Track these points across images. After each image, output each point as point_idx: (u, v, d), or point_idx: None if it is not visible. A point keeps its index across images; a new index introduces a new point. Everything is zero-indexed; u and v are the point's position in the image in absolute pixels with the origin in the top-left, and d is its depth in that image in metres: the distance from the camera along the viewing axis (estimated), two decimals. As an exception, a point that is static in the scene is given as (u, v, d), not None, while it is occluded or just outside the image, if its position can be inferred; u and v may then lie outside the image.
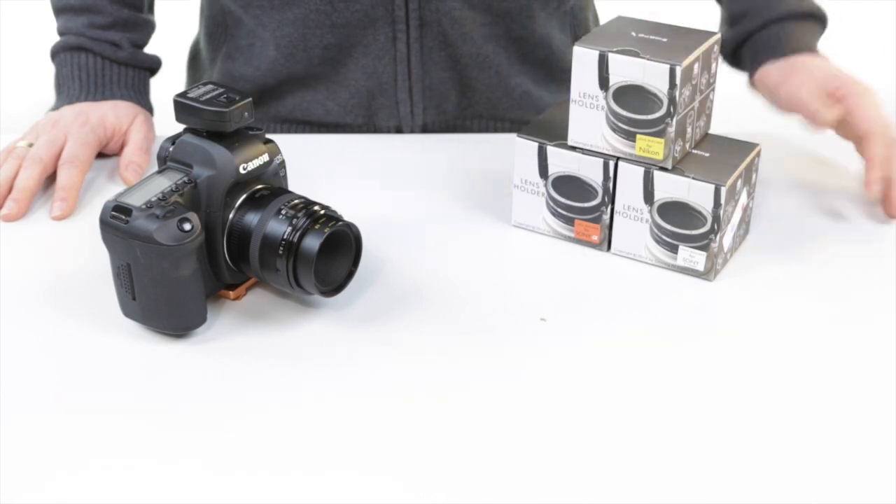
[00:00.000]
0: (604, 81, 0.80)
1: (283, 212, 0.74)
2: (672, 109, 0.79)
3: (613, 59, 0.79)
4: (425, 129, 1.09)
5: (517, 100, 1.09)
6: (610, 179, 0.83)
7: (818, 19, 1.01)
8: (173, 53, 1.18)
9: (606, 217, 0.85)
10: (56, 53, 1.04)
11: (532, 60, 1.08)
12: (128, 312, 0.75)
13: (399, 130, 1.09)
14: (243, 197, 0.76)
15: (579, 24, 1.12)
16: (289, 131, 1.10)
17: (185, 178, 0.74)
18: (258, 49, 1.06)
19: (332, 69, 1.05)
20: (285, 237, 0.73)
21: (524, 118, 1.10)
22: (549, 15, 1.07)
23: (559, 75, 1.10)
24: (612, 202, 0.84)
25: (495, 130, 1.11)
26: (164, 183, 0.74)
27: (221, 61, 1.09)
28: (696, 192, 0.80)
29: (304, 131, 1.10)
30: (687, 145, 0.83)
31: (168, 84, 1.08)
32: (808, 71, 0.96)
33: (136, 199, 0.72)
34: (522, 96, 1.09)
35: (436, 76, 1.05)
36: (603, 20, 1.15)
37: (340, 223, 0.74)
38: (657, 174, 0.81)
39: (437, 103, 1.07)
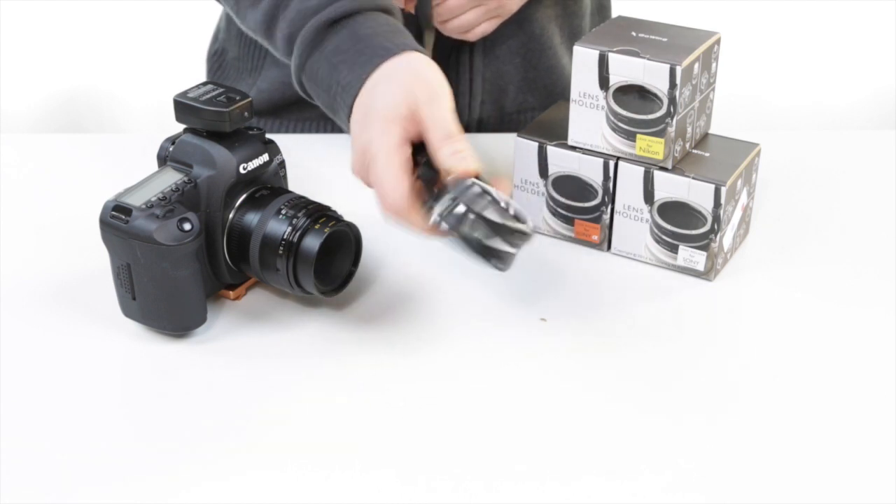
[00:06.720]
0: (604, 81, 0.80)
1: (283, 212, 0.74)
2: (672, 109, 0.79)
3: (613, 58, 0.79)
4: (481, 124, 1.09)
5: (567, 78, 1.11)
6: (610, 179, 0.83)
7: None
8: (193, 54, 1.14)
9: (606, 217, 0.85)
10: None
11: (575, 34, 1.11)
12: (128, 312, 0.75)
13: None
14: (243, 197, 0.76)
15: None
16: (336, 126, 1.08)
17: (185, 178, 0.74)
18: None
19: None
20: (285, 237, 0.73)
21: None
22: None
23: None
24: (612, 202, 0.84)
25: None
26: (164, 183, 0.74)
27: (267, 69, 1.08)
28: (696, 192, 0.80)
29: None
30: (687, 145, 0.83)
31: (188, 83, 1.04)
32: None
33: (135, 199, 0.72)
34: (570, 75, 1.11)
35: (496, 69, 1.06)
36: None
37: (340, 223, 0.75)
38: (657, 174, 0.81)
39: (495, 97, 1.08)
